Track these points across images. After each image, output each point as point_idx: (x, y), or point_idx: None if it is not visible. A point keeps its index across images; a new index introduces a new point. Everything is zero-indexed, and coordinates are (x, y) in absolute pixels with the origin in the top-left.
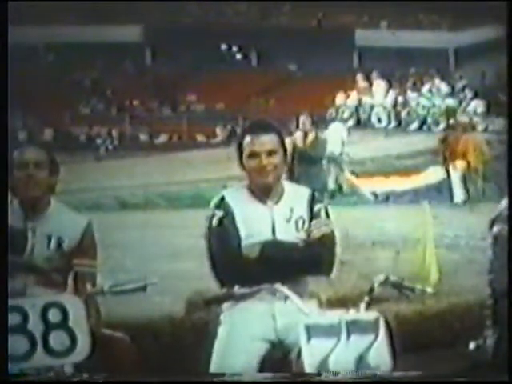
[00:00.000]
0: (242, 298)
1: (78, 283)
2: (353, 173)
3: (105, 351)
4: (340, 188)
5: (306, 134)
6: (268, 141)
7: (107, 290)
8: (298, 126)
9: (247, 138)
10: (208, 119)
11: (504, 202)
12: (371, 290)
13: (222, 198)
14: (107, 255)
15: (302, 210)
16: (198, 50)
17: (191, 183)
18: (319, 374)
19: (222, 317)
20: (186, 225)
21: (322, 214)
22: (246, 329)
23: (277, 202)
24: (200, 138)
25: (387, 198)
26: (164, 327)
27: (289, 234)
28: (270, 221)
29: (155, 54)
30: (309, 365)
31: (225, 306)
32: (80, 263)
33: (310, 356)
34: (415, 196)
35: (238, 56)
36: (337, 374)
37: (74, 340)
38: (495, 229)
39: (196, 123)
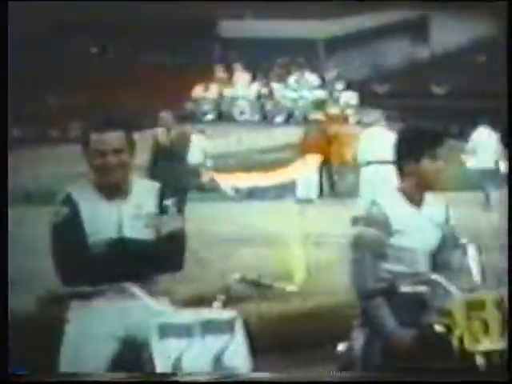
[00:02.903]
0: (91, 296)
1: None
2: (213, 168)
3: None
4: (200, 184)
5: (167, 130)
6: (114, 138)
7: None
8: (159, 122)
9: (93, 136)
10: (65, 114)
11: (364, 201)
12: (227, 288)
13: (68, 195)
14: None
15: (151, 206)
16: (61, 45)
17: (40, 178)
18: (174, 374)
19: (70, 315)
20: (35, 221)
21: (173, 209)
22: (95, 328)
23: (124, 199)
24: (54, 133)
25: (250, 193)
26: (15, 324)
27: (137, 230)
28: (117, 218)
29: None
30: (161, 365)
31: (74, 304)
32: None
33: (162, 356)
34: (280, 192)
35: (94, 50)
36: (189, 374)
37: None
38: (356, 229)
39: (51, 117)
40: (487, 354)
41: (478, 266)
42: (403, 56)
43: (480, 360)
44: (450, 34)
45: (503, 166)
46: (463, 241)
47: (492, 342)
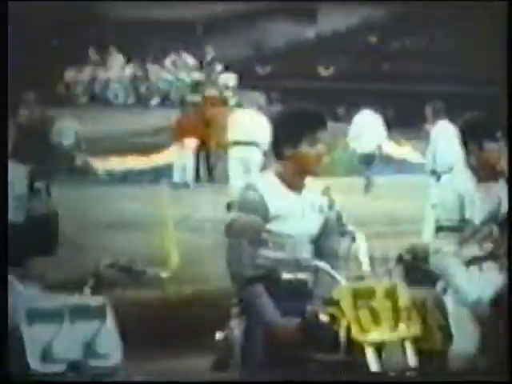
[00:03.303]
0: None
1: None
2: (87, 151)
3: None
4: (73, 167)
5: (31, 112)
6: None
7: None
8: (23, 104)
9: None
10: None
11: (235, 185)
12: (98, 273)
13: None
14: None
15: (21, 189)
16: None
17: None
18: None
19: None
20: None
21: (44, 193)
22: None
23: None
24: None
25: (124, 177)
26: None
27: (8, 213)
28: None
29: None
30: (31, 350)
31: None
32: None
33: (32, 341)
34: (155, 175)
35: None
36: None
37: None
38: (230, 215)
39: None
40: (377, 345)
41: (366, 254)
42: (288, 37)
43: (369, 351)
44: (338, 14)
45: (386, 149)
46: (350, 228)
47: (382, 333)
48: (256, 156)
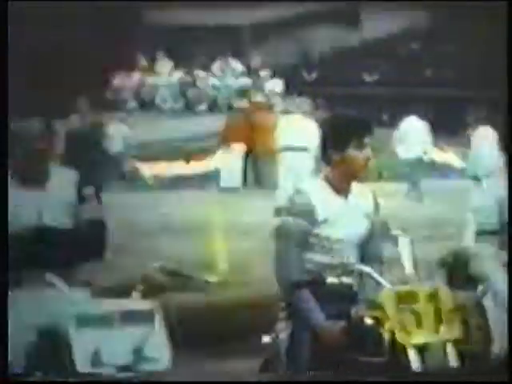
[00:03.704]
0: (10, 285)
1: None
2: (135, 157)
3: None
4: (122, 173)
5: (83, 117)
6: (33, 126)
7: None
8: (76, 109)
9: (13, 123)
10: None
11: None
12: (147, 277)
13: None
14: None
15: (70, 195)
16: None
17: None
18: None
19: None
20: None
21: (93, 198)
22: (12, 317)
23: (43, 187)
24: None
25: (172, 182)
26: None
27: (57, 219)
28: (36, 206)
29: None
30: (80, 356)
31: None
32: None
33: (81, 347)
34: (203, 181)
35: None
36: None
37: None
38: (279, 218)
39: None
40: (420, 348)
41: (410, 258)
42: (333, 43)
43: (412, 353)
44: (382, 21)
45: (432, 155)
46: (394, 232)
47: (424, 335)
48: (306, 161)
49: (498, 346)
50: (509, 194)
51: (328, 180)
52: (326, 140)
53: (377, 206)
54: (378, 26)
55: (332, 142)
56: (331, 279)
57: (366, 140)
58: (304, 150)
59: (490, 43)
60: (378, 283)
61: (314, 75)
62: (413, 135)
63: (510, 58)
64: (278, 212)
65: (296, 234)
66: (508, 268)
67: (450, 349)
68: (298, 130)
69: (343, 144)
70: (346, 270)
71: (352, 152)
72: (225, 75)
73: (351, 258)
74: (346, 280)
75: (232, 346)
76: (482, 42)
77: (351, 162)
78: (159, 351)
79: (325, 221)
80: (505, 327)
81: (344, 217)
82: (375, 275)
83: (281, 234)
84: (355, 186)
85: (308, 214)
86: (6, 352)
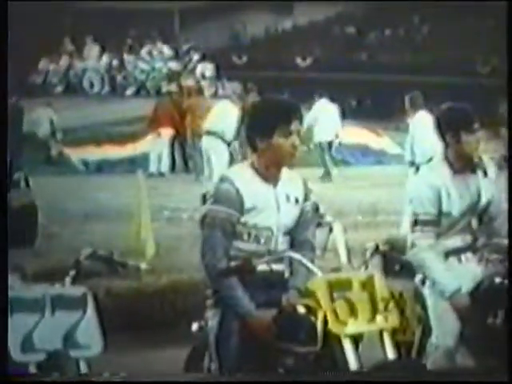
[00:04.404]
0: None
1: None
2: (63, 141)
3: None
4: (50, 157)
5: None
6: None
7: None
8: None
9: None
10: None
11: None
12: (77, 263)
13: None
14: None
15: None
16: None
17: None
18: None
19: None
20: None
21: (22, 183)
22: None
23: None
24: None
25: (99, 167)
26: None
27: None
28: None
29: None
30: (11, 341)
31: None
32: None
33: (12, 331)
34: (131, 165)
35: None
36: None
37: None
38: (205, 208)
39: None
40: (355, 337)
41: (344, 245)
42: (266, 27)
43: (347, 343)
44: (316, 5)
45: (344, 139)
46: (328, 218)
47: (359, 324)
48: (221, 146)
49: (438, 337)
50: (509, 193)
51: (255, 167)
52: (253, 126)
53: (307, 192)
54: (312, 9)
55: (259, 128)
56: (261, 267)
57: (294, 126)
58: (219, 134)
59: (427, 28)
60: (310, 271)
61: (244, 59)
62: (324, 118)
63: (510, 59)
64: (205, 199)
65: (222, 222)
66: (508, 267)
67: (386, 338)
68: (218, 115)
69: (270, 130)
70: (275, 257)
71: (279, 138)
72: (154, 59)
73: (281, 245)
74: (276, 267)
75: (162, 333)
76: (419, 26)
77: (279, 148)
78: (90, 337)
79: (252, 208)
80: (444, 317)
81: (272, 204)
82: (306, 262)
83: (207, 222)
84: (285, 173)
85: (234, 201)
86: (6, 352)
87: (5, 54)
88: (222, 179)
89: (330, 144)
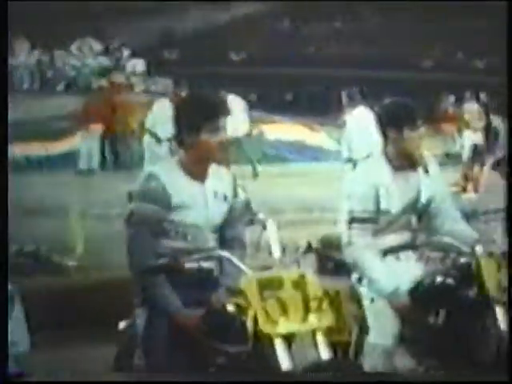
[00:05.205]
0: None
1: None
2: None
3: None
4: None
5: None
6: None
7: None
8: None
9: None
10: None
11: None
12: None
13: None
14: None
15: None
16: None
17: None
18: None
19: None
20: None
21: None
22: None
23: None
24: None
25: (28, 163)
26: None
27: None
28: None
29: None
30: None
31: None
32: None
33: None
34: (60, 162)
35: None
36: None
37: None
38: (131, 205)
39: None
40: (287, 337)
41: (277, 243)
42: (199, 22)
43: (278, 343)
44: None
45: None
46: (261, 216)
47: (290, 324)
48: (157, 144)
49: (376, 337)
50: (509, 192)
51: (182, 164)
52: (181, 122)
53: (236, 189)
54: (247, 3)
55: (187, 125)
56: (189, 264)
57: (223, 122)
58: (155, 132)
59: (366, 22)
60: (240, 269)
61: (176, 55)
62: (236, 113)
63: (509, 59)
64: (131, 197)
65: (149, 219)
66: (508, 269)
67: (319, 338)
68: (158, 113)
69: (197, 126)
70: (204, 255)
71: (206, 134)
72: (84, 55)
73: (210, 242)
74: (205, 265)
75: (91, 331)
76: (359, 20)
77: (207, 145)
78: (18, 334)
79: (179, 205)
80: (382, 317)
81: (200, 201)
82: (235, 260)
83: (133, 220)
84: (213, 169)
85: (161, 199)
86: (6, 352)
87: (5, 54)
88: (149, 176)
89: (243, 139)
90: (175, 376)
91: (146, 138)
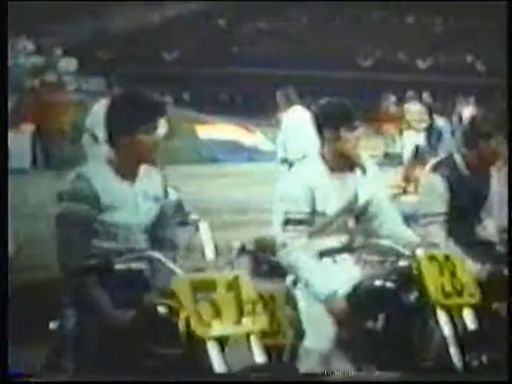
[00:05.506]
0: None
1: None
2: None
3: None
4: None
5: None
6: None
7: None
8: None
9: None
10: None
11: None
12: None
13: None
14: None
15: None
16: None
17: None
18: None
19: None
20: None
21: None
22: None
23: None
24: None
25: None
26: None
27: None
28: None
29: None
30: None
31: None
32: None
33: None
34: None
35: None
36: None
37: None
38: (60, 206)
39: None
40: (220, 340)
41: (210, 244)
42: (132, 21)
43: (211, 346)
44: None
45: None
46: (193, 216)
47: (224, 326)
48: (96, 144)
49: (311, 341)
50: (509, 192)
51: (113, 164)
52: (113, 121)
53: (167, 189)
54: (181, 2)
55: (119, 124)
56: (120, 265)
57: (157, 121)
58: (88, 130)
59: (305, 21)
60: (171, 270)
61: (109, 54)
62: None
63: (510, 58)
64: (60, 197)
65: (78, 220)
66: (508, 265)
67: (253, 341)
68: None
69: (133, 125)
70: (134, 256)
71: (140, 134)
72: (15, 54)
73: (140, 243)
74: (136, 266)
75: (20, 332)
76: (296, 19)
77: (139, 144)
78: None
79: (109, 206)
80: (318, 320)
81: (130, 201)
82: (165, 261)
83: (63, 220)
84: (143, 170)
85: (90, 199)
86: (6, 352)
87: (5, 54)
88: (78, 176)
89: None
90: (106, 378)
91: (85, 138)
